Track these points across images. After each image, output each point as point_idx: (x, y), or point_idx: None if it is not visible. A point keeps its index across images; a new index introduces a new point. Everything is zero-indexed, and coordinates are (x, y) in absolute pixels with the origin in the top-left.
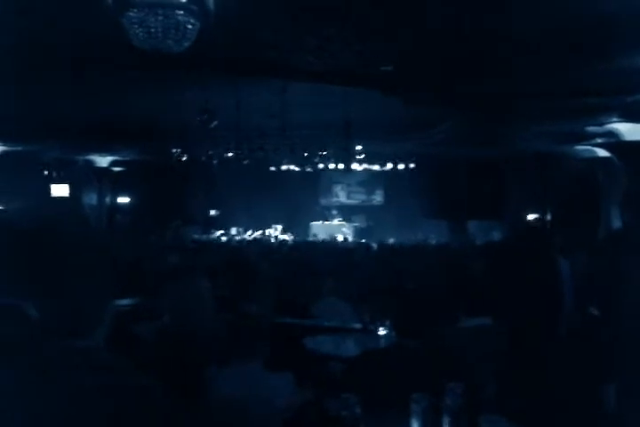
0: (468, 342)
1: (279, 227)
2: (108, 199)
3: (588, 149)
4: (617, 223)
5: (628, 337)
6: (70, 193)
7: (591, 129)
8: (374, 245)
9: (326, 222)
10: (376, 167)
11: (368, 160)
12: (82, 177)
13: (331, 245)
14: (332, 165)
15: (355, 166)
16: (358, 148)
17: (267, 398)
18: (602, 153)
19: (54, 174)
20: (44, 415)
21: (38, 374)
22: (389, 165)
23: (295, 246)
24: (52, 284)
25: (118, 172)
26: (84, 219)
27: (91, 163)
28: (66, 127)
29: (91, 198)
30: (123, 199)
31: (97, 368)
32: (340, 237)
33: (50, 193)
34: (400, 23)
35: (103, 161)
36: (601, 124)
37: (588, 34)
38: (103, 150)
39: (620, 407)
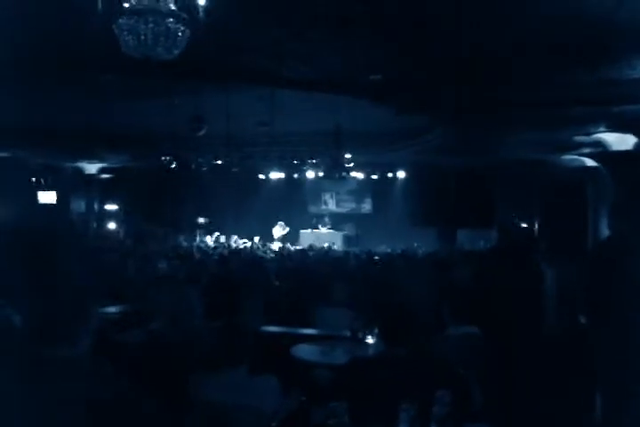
0: (456, 350)
1: (281, 227)
2: (96, 206)
3: (576, 159)
4: (604, 232)
5: (614, 345)
6: (58, 200)
7: (578, 139)
8: (363, 254)
9: (315, 230)
10: (365, 175)
11: (357, 168)
12: (70, 184)
13: (320, 253)
14: (321, 174)
15: (344, 175)
16: (348, 156)
17: (253, 406)
18: (589, 162)
19: (42, 181)
20: (28, 423)
21: (22, 382)
22: (378, 174)
23: (283, 254)
24: (37, 291)
25: (106, 179)
26: (70, 226)
27: (79, 170)
28: (54, 134)
29: (79, 206)
30: (111, 207)
31: (81, 376)
32: (328, 246)
33: (37, 200)
34: (390, 32)
35: (92, 168)
36: (588, 134)
37: (575, 45)
38: (91, 157)
39: (607, 415)
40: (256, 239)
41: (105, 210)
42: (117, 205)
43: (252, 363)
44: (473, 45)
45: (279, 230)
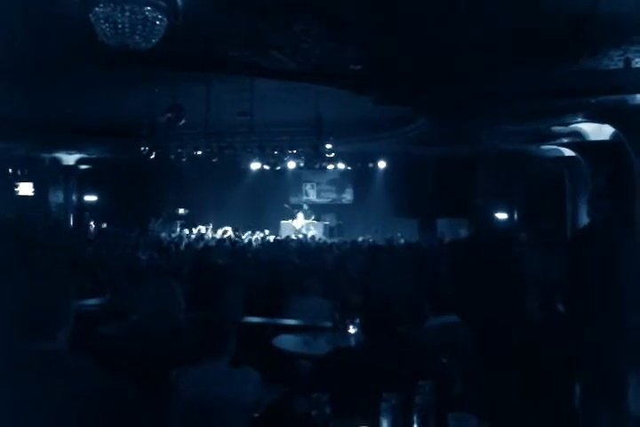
0: (437, 340)
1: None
2: (74, 198)
3: (554, 149)
4: (582, 220)
5: (593, 332)
6: (35, 191)
7: (557, 129)
8: (344, 244)
9: (297, 221)
10: (346, 166)
11: (338, 158)
12: (47, 175)
13: (300, 243)
14: (301, 164)
15: (325, 165)
16: (328, 146)
17: (236, 398)
18: (567, 152)
19: (19, 172)
20: (9, 419)
21: (3, 376)
22: (359, 164)
23: (264, 245)
24: (12, 282)
25: (85, 170)
26: (48, 218)
27: (57, 161)
28: (32, 125)
29: (57, 197)
30: (90, 197)
31: (62, 369)
32: (309, 236)
33: (15, 191)
34: (370, 22)
35: (70, 159)
36: (566, 125)
37: (554, 36)
38: (70, 148)
39: (587, 403)
40: (232, 230)
41: (84, 201)
42: (96, 196)
43: (234, 354)
44: (453, 37)
45: (301, 220)
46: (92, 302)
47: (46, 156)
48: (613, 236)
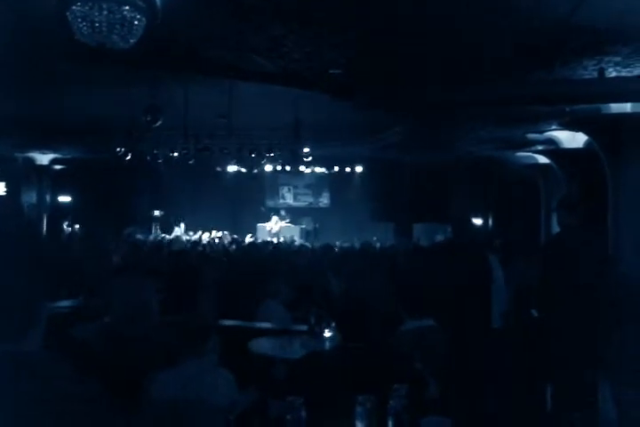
0: (413, 344)
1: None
2: (48, 198)
3: (529, 156)
4: (555, 228)
5: (566, 337)
6: (8, 191)
7: (532, 136)
8: (320, 248)
9: (274, 224)
10: (323, 170)
11: (315, 162)
12: (21, 175)
13: (276, 246)
14: (279, 167)
15: (302, 168)
16: (306, 150)
17: (210, 401)
18: (542, 159)
19: None
20: None
21: None
22: (337, 168)
23: (240, 248)
24: None
25: (59, 170)
26: (21, 218)
27: (30, 160)
28: (4, 124)
29: (30, 197)
30: (64, 198)
31: (31, 373)
32: (286, 239)
33: None
34: (351, 28)
35: (43, 158)
36: (541, 132)
37: (530, 43)
38: (44, 148)
39: (559, 406)
40: (214, 233)
41: (57, 201)
42: (70, 196)
43: (209, 357)
44: (431, 44)
45: (274, 224)
46: (66, 303)
47: (19, 155)
48: (586, 243)
